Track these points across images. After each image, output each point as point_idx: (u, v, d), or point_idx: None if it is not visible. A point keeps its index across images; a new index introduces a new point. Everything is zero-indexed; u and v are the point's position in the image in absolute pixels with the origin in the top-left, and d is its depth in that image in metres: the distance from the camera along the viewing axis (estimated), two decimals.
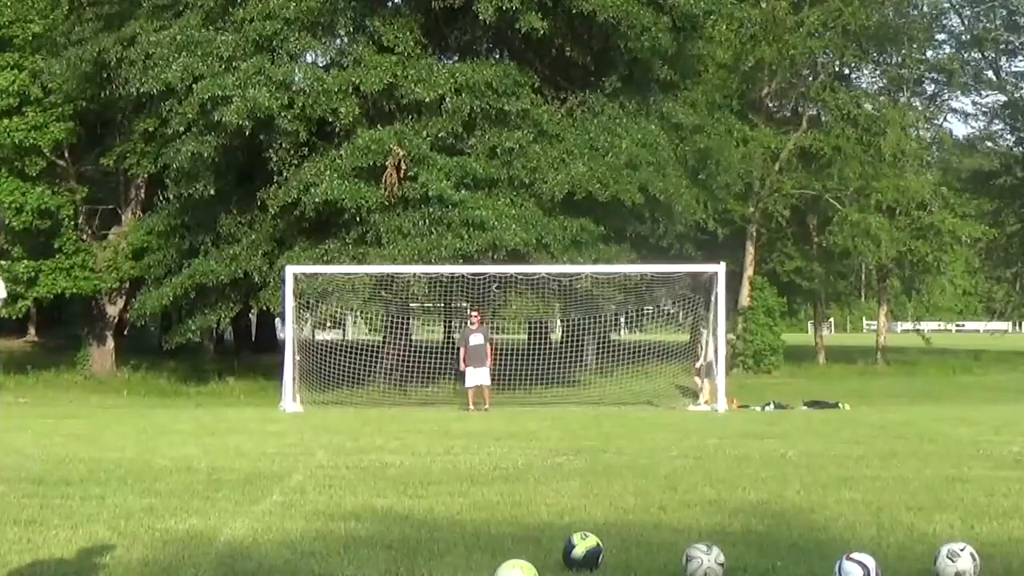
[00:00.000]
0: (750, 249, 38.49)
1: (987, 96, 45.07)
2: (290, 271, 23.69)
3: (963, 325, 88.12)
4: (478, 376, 22.54)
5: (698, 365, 24.63)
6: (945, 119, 49.45)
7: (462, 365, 22.76)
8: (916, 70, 42.02)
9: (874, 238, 37.24)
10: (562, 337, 28.56)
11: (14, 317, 34.07)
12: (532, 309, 29.06)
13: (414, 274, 25.04)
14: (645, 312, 29.66)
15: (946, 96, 44.82)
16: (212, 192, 26.50)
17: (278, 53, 26.12)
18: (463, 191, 25.53)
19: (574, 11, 25.97)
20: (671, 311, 29.14)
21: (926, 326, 50.36)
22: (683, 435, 15.46)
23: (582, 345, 28.00)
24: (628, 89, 28.37)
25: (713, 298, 23.69)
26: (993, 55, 44.36)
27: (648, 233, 29.24)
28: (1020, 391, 29.09)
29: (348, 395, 24.11)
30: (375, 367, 26.09)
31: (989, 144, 45.58)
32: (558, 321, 29.71)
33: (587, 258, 25.85)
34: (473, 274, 24.82)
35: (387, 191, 25.51)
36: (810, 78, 39.62)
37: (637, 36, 26.70)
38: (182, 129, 26.29)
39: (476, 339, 22.76)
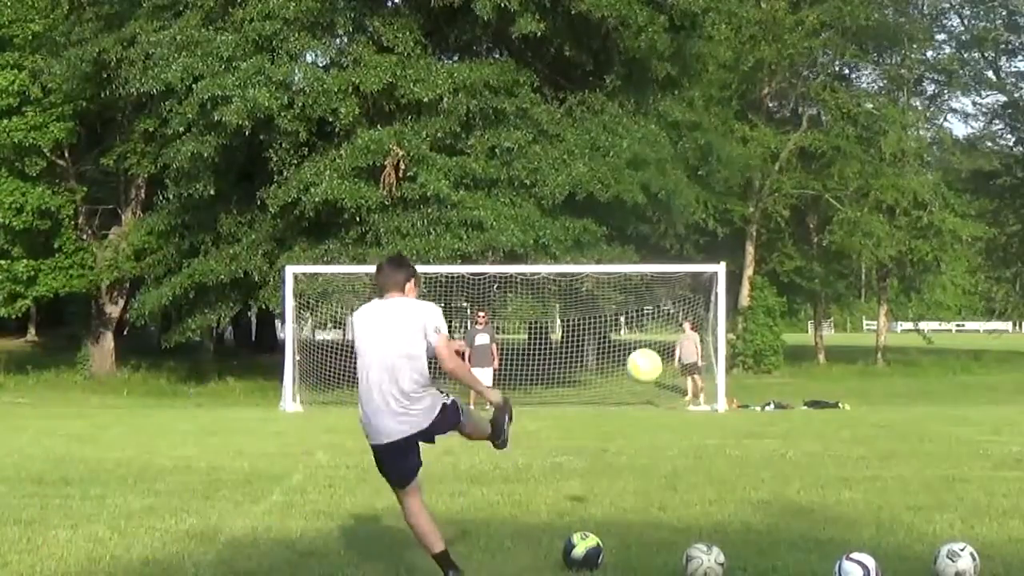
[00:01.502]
0: (750, 249, 38.48)
1: (987, 96, 45.10)
2: (290, 271, 23.68)
3: (963, 325, 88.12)
4: (482, 376, 22.53)
5: (677, 365, 24.73)
6: (945, 119, 49.39)
7: (468, 365, 22.68)
8: (916, 70, 42.03)
9: (873, 237, 37.24)
10: (562, 337, 28.55)
11: (14, 317, 34.02)
12: (532, 309, 29.02)
13: None
14: (645, 312, 29.65)
15: (946, 96, 44.84)
16: (212, 192, 26.50)
17: (278, 53, 26.11)
18: (462, 191, 25.52)
19: (573, 12, 25.97)
20: (671, 311, 29.12)
21: (926, 326, 50.32)
22: (683, 435, 15.46)
23: (582, 345, 27.99)
24: (628, 88, 28.36)
25: (713, 298, 23.70)
26: (993, 55, 44.33)
27: (650, 232, 29.21)
28: (1020, 391, 29.09)
29: (348, 395, 24.08)
30: None
31: (989, 144, 45.53)
32: (558, 321, 29.70)
33: (589, 259, 25.84)
34: (472, 274, 24.81)
35: (386, 191, 25.51)
36: (810, 78, 39.61)
37: (634, 36, 26.69)
38: (182, 129, 26.29)
39: (481, 339, 22.75)
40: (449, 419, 6.12)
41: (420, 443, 6.12)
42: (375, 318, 6.09)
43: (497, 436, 6.45)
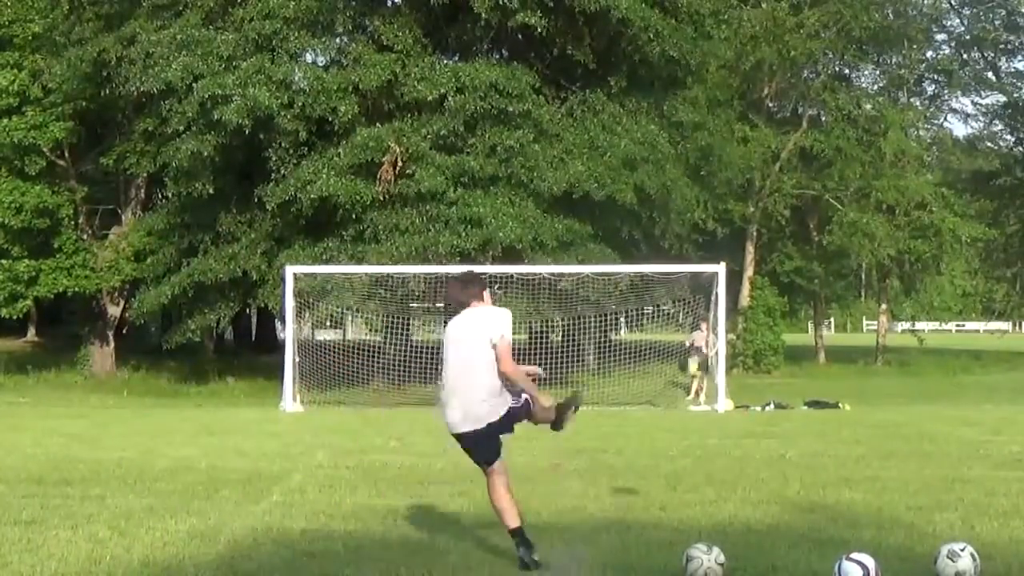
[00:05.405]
0: (750, 249, 38.47)
1: (987, 96, 45.10)
2: (290, 271, 23.67)
3: (963, 325, 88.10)
4: None
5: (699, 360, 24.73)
6: (945, 119, 49.39)
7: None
8: (916, 70, 42.02)
9: (872, 237, 37.24)
10: (562, 338, 28.52)
11: (14, 317, 33.99)
12: (531, 310, 28.99)
13: (413, 273, 25.02)
14: (645, 312, 29.62)
15: (946, 96, 44.84)
16: (211, 191, 26.49)
17: (278, 52, 26.10)
18: (460, 189, 25.52)
19: (577, 9, 25.90)
20: (671, 311, 29.10)
21: (926, 326, 50.30)
22: (683, 435, 15.47)
23: (582, 345, 27.97)
24: (632, 89, 28.33)
25: (713, 298, 23.70)
26: (993, 55, 44.34)
27: (647, 234, 29.15)
28: (1020, 391, 29.06)
29: (348, 395, 24.10)
30: (375, 367, 26.07)
31: (989, 144, 45.53)
32: (557, 322, 29.67)
33: (572, 258, 25.81)
34: None
35: (383, 187, 25.50)
36: (810, 78, 39.59)
37: (649, 39, 26.60)
38: (182, 128, 26.26)
39: None
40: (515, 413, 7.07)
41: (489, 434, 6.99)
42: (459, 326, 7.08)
43: (558, 425, 7.41)
